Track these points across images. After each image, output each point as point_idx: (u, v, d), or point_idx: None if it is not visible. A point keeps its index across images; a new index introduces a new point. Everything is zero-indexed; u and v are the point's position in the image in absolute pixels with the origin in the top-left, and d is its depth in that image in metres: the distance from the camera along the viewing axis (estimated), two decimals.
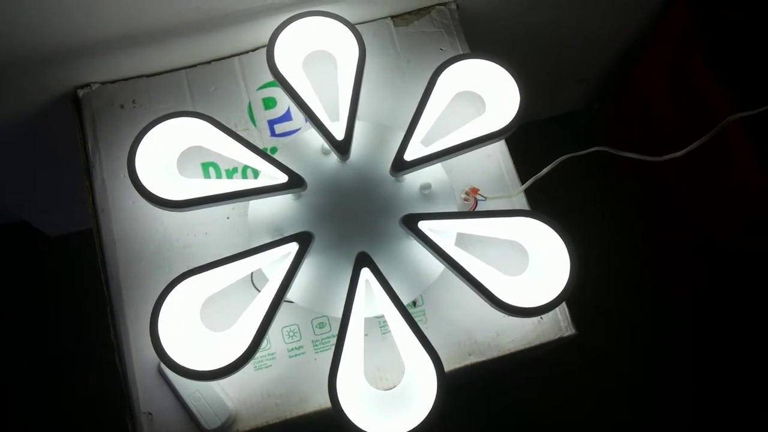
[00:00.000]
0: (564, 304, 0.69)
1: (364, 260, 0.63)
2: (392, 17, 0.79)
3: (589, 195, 1.25)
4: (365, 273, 0.62)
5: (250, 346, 0.58)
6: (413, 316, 0.66)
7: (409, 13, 0.80)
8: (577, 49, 1.06)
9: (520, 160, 0.74)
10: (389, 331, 0.66)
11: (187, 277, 0.60)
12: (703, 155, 0.74)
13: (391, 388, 0.61)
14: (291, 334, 0.67)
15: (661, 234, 1.15)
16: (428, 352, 0.58)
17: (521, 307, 0.60)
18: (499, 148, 0.74)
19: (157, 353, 0.57)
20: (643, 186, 1.14)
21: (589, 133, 1.28)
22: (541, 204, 0.71)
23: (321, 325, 0.67)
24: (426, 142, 0.68)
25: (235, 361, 0.57)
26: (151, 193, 0.62)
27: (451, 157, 0.66)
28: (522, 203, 0.72)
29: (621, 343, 1.19)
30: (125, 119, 0.74)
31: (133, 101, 0.75)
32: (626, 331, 1.21)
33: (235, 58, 0.77)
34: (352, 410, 0.56)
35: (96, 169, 0.71)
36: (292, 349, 0.66)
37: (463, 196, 0.71)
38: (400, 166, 0.65)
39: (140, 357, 0.65)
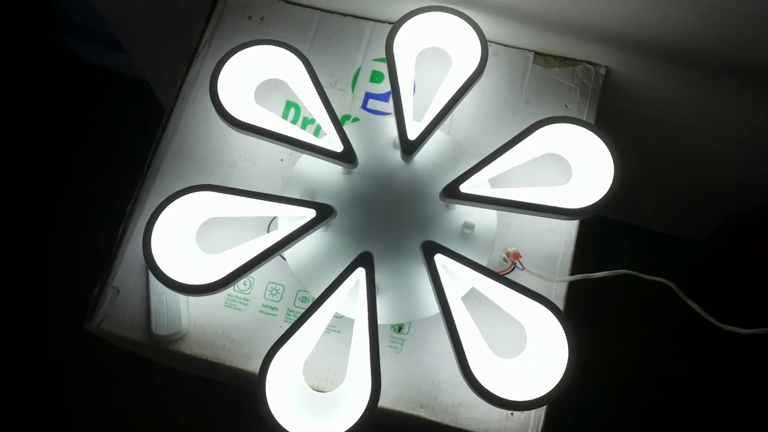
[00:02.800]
0: (543, 409, 0.62)
1: (364, 260, 0.60)
2: (536, 53, 0.74)
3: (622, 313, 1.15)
4: (359, 273, 0.59)
5: (225, 278, 0.57)
6: (395, 338, 0.63)
7: (555, 57, 0.74)
8: (723, 183, 0.94)
9: (588, 251, 0.67)
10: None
11: (203, 190, 0.60)
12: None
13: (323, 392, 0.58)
14: (273, 292, 0.65)
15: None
16: (542, 303, 0.60)
17: (492, 393, 0.54)
18: (569, 228, 0.67)
19: (143, 242, 0.58)
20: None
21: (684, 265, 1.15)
22: (572, 298, 0.64)
23: (303, 299, 0.65)
24: (494, 183, 0.64)
25: (204, 284, 0.57)
26: (219, 101, 0.63)
27: (508, 210, 0.61)
28: (559, 292, 0.65)
29: None
30: (247, 30, 0.75)
31: (262, 18, 0.76)
32: None
33: (370, 23, 0.76)
34: (273, 390, 0.54)
35: (197, 61, 0.74)
36: (266, 306, 0.65)
37: (504, 255, 0.66)
38: (451, 193, 0.61)
39: (138, 241, 0.66)
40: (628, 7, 0.66)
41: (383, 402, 0.61)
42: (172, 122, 0.72)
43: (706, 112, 0.79)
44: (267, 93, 0.70)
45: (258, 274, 0.66)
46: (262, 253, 0.59)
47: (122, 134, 0.73)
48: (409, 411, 0.61)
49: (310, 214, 0.60)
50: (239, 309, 0.65)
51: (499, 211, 0.65)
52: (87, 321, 0.64)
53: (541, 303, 0.57)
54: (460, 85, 0.65)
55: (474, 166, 0.62)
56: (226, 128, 0.70)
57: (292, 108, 0.72)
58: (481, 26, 0.67)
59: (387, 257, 0.63)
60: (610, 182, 0.60)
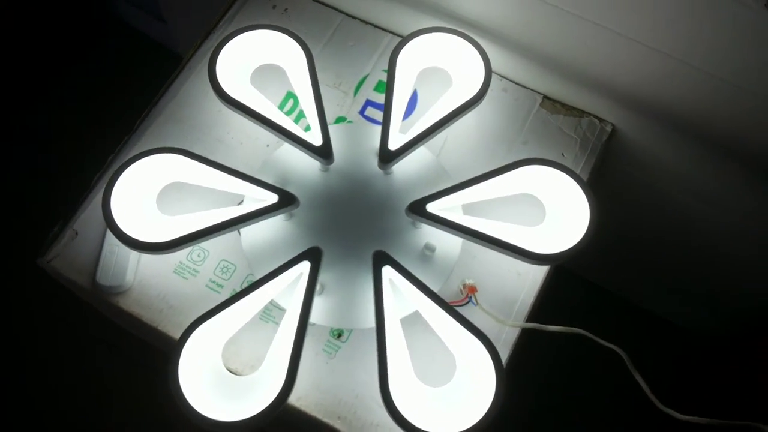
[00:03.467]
0: None
1: (311, 254, 0.59)
2: (545, 97, 0.73)
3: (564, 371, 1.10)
4: (304, 266, 0.58)
5: (173, 240, 0.57)
6: (332, 343, 0.61)
7: (563, 104, 0.73)
8: (726, 274, 0.90)
9: (549, 302, 0.65)
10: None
11: (174, 153, 0.61)
12: None
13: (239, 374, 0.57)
14: (224, 270, 0.65)
15: None
16: (479, 338, 0.55)
17: (404, 418, 0.52)
18: (535, 275, 0.65)
19: (104, 190, 0.59)
20: None
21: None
22: (521, 347, 0.62)
23: (225, 269, 0.65)
24: (469, 212, 0.63)
25: (151, 242, 0.57)
26: (215, 74, 0.64)
27: (471, 240, 0.60)
28: (509, 338, 0.63)
29: None
30: (267, 17, 0.76)
31: (286, 9, 0.77)
32: None
33: (389, 35, 0.76)
34: (187, 361, 0.53)
35: (212, 37, 0.75)
36: (213, 282, 0.64)
37: (461, 286, 0.64)
38: (417, 209, 0.60)
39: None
40: (643, 68, 0.65)
41: (301, 404, 0.60)
42: (173, 88, 0.73)
43: (708, 192, 0.76)
44: (270, 80, 0.70)
45: (214, 248, 0.65)
46: (216, 225, 0.58)
47: (138, 101, 0.75)
48: (326, 419, 0.59)
49: (272, 198, 0.60)
50: (186, 278, 0.64)
51: (466, 241, 0.63)
52: (39, 256, 0.64)
53: (477, 337, 0.55)
54: (456, 106, 0.64)
55: (447, 188, 0.61)
56: (221, 104, 0.71)
57: (291, 99, 0.73)
58: (494, 60, 0.66)
59: (341, 260, 0.62)
60: (582, 234, 0.58)
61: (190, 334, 0.55)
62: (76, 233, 0.65)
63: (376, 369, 0.54)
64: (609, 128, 0.72)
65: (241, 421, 0.52)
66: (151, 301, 0.63)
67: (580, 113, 0.73)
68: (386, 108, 0.64)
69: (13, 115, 1.30)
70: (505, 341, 0.62)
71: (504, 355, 0.61)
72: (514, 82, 0.74)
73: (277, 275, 0.57)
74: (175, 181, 0.63)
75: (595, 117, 0.72)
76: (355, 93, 0.73)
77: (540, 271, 0.65)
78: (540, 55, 0.70)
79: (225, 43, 0.66)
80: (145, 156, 0.60)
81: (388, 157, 0.62)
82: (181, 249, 0.58)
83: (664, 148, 0.73)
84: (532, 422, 1.06)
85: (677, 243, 0.87)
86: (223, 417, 0.52)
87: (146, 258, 0.65)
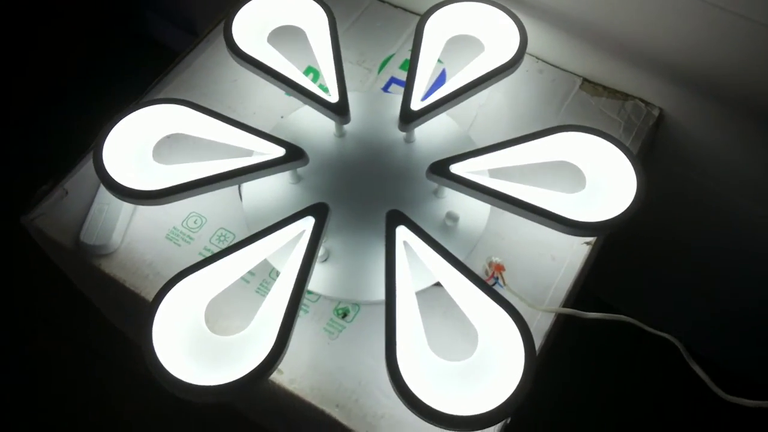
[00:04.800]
0: None
1: (316, 210, 0.52)
2: (585, 79, 0.67)
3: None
4: (307, 222, 0.51)
5: (165, 189, 0.51)
6: (335, 323, 0.54)
7: (605, 87, 0.67)
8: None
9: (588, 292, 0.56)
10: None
11: (179, 104, 0.56)
12: None
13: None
14: (221, 239, 0.58)
15: None
16: (508, 313, 0.46)
17: (416, 398, 0.43)
18: (572, 259, 0.57)
19: (98, 136, 0.54)
20: None
21: None
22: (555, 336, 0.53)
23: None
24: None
25: (141, 190, 0.51)
26: (231, 33, 0.60)
27: (501, 207, 0.52)
28: (542, 326, 0.54)
29: None
30: None
31: None
32: None
33: (418, 18, 0.72)
34: (164, 320, 0.46)
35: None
36: (208, 250, 0.57)
37: (486, 264, 0.56)
38: (440, 170, 0.53)
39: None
40: (696, 36, 0.58)
41: (294, 387, 0.51)
42: (188, 58, 0.69)
43: None
44: (290, 51, 0.66)
45: (213, 215, 0.59)
46: (213, 176, 0.52)
47: None
48: (321, 406, 0.50)
49: (279, 152, 0.54)
50: (179, 245, 0.58)
51: (493, 219, 0.56)
52: (23, 213, 0.59)
53: (504, 309, 0.46)
54: (486, 71, 0.58)
55: (474, 150, 0.54)
56: (237, 74, 0.68)
57: (311, 73, 0.68)
58: (529, 39, 0.61)
59: (351, 226, 0.55)
60: (629, 202, 0.50)
61: (172, 286, 0.47)
62: (66, 192, 0.60)
63: (383, 353, 0.46)
64: (656, 112, 0.65)
65: (220, 386, 0.44)
66: (137, 266, 0.57)
67: (624, 96, 0.66)
68: (411, 68, 0.59)
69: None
70: (537, 329, 0.53)
71: (536, 345, 0.52)
72: (550, 64, 0.68)
73: (275, 231, 0.50)
74: (177, 133, 0.57)
75: (641, 100, 0.66)
76: (380, 70, 0.69)
77: (578, 255, 0.57)
78: (580, 29, 0.64)
79: (245, 3, 0.62)
80: (145, 106, 0.56)
81: (409, 117, 0.56)
82: (174, 200, 0.52)
83: (721, 137, 0.65)
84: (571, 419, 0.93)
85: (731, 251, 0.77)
86: (201, 382, 0.44)
87: (138, 220, 0.59)
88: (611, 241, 0.64)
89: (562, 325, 0.56)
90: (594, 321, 0.53)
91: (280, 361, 0.45)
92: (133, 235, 0.58)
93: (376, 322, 0.54)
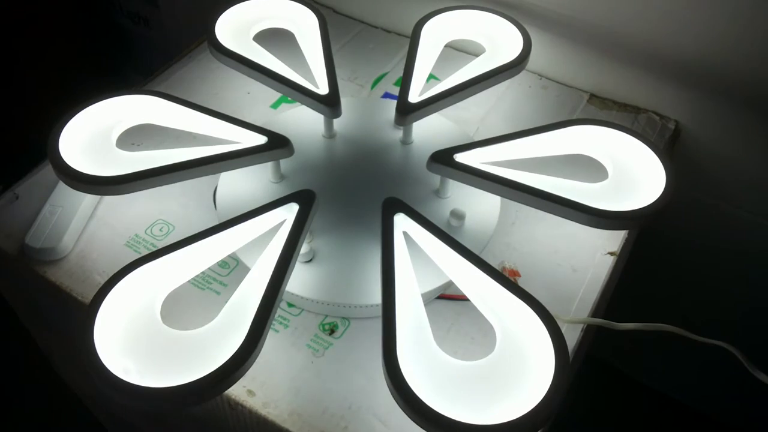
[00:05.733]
0: None
1: (301, 197, 0.44)
2: (593, 95, 0.63)
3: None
4: (288, 210, 0.44)
5: (124, 175, 0.44)
6: (321, 339, 0.45)
7: (615, 101, 0.62)
8: None
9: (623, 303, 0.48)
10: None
11: (144, 94, 0.51)
12: None
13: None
14: None
15: None
16: (533, 308, 0.39)
17: (421, 402, 0.34)
18: (597, 269, 0.49)
19: (55, 127, 0.48)
20: None
21: None
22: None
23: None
24: None
25: (95, 176, 0.44)
26: (214, 33, 0.56)
27: (513, 198, 0.45)
28: (570, 339, 0.45)
29: None
30: None
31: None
32: None
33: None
34: (110, 315, 0.38)
35: None
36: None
37: (500, 265, 0.48)
38: (443, 159, 0.47)
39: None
40: (710, 30, 0.54)
41: (268, 411, 0.41)
42: (166, 73, 0.65)
43: None
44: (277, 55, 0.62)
45: (181, 223, 0.52)
46: (182, 162, 0.46)
47: None
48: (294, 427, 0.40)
49: (261, 141, 0.48)
50: (140, 252, 0.50)
51: (504, 229, 0.49)
52: None
53: (527, 303, 0.38)
54: (487, 69, 0.54)
55: (480, 141, 0.48)
56: (219, 87, 0.63)
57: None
58: (531, 56, 0.57)
59: (341, 226, 0.48)
60: (660, 194, 0.44)
61: (122, 277, 0.39)
62: (17, 197, 0.53)
63: (379, 371, 0.37)
64: (672, 125, 0.60)
65: (172, 388, 0.34)
66: (87, 274, 0.48)
67: (636, 110, 0.62)
68: (408, 62, 0.54)
69: None
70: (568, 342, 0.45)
71: None
72: (555, 80, 0.64)
73: (248, 219, 0.43)
74: (153, 127, 0.51)
75: (654, 113, 0.61)
76: (373, 87, 0.64)
77: (602, 267, 0.49)
78: (583, 39, 0.61)
79: (230, 6, 0.59)
80: (111, 97, 0.50)
81: (407, 109, 0.51)
82: (137, 188, 0.45)
83: (741, 149, 0.60)
84: None
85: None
86: (151, 384, 0.35)
87: (95, 225, 0.51)
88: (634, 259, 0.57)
89: (592, 343, 0.47)
90: (629, 335, 0.45)
91: (254, 359, 0.36)
92: (88, 240, 0.50)
93: (370, 338, 0.45)
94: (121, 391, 0.34)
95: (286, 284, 0.40)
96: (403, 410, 0.35)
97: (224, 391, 0.36)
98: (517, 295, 0.39)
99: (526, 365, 0.36)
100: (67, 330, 0.55)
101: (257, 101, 0.62)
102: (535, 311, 0.38)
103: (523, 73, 0.64)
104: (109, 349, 0.36)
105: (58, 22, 1.11)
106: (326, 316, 0.46)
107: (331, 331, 0.46)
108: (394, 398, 0.35)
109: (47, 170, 0.54)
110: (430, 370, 0.36)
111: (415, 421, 0.34)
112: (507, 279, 0.40)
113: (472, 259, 0.41)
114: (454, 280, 0.42)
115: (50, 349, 0.68)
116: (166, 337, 0.37)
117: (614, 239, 0.51)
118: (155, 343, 0.37)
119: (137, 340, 0.37)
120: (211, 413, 0.46)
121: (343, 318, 0.46)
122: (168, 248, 0.41)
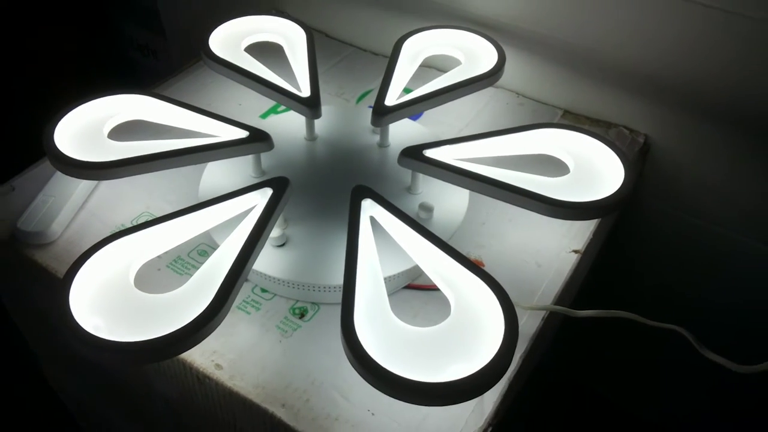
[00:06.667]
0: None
1: (275, 183, 0.47)
2: (566, 111, 0.66)
3: None
4: (261, 195, 0.47)
5: (110, 162, 0.47)
6: (290, 321, 0.47)
7: (587, 117, 0.65)
8: None
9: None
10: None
11: (128, 94, 0.54)
12: None
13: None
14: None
15: None
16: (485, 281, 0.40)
17: (376, 364, 0.36)
18: (560, 266, 0.51)
19: (52, 121, 0.51)
20: None
21: None
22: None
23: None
24: None
25: (90, 161, 0.47)
26: (209, 49, 0.60)
27: (481, 192, 0.48)
28: (527, 330, 0.46)
29: None
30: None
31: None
32: None
33: None
34: (82, 281, 0.40)
35: None
36: None
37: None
38: (412, 153, 0.49)
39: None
40: (677, 44, 0.57)
41: (234, 383, 0.43)
42: (162, 86, 0.69)
43: None
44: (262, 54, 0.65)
45: None
46: (168, 151, 0.48)
47: None
48: (264, 405, 0.41)
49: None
50: None
51: (473, 229, 0.52)
52: None
53: (480, 277, 0.40)
54: (465, 78, 0.57)
55: (450, 139, 0.51)
56: (211, 98, 0.67)
57: None
58: (507, 74, 0.60)
59: (314, 215, 0.50)
60: (620, 184, 0.46)
61: (102, 247, 0.42)
62: (13, 189, 0.56)
63: (344, 352, 0.38)
64: (641, 139, 0.63)
65: (135, 342, 0.36)
66: (74, 259, 0.50)
67: (607, 125, 0.64)
68: (387, 71, 0.58)
69: None
70: (523, 333, 0.46)
71: (522, 348, 0.45)
72: (530, 98, 0.68)
73: (222, 201, 0.45)
74: (139, 120, 0.54)
75: (625, 127, 0.64)
76: (358, 101, 0.68)
77: (566, 263, 0.51)
78: (557, 56, 0.64)
79: (223, 23, 0.63)
80: (105, 96, 0.54)
81: (383, 111, 0.54)
82: (120, 175, 0.48)
83: (711, 165, 0.62)
84: None
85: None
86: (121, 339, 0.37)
87: (84, 215, 0.54)
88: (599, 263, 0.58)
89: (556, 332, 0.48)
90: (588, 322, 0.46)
91: (219, 321, 0.38)
92: (77, 228, 0.53)
93: (338, 323, 0.46)
94: (90, 345, 0.36)
95: (256, 257, 0.42)
96: (357, 371, 0.36)
97: (189, 348, 0.37)
98: (472, 270, 0.41)
99: (477, 332, 0.38)
100: (55, 318, 0.56)
101: (247, 111, 0.65)
102: (487, 284, 0.40)
103: (500, 91, 0.68)
104: (82, 309, 0.38)
105: (66, 57, 1.17)
106: (297, 300, 0.48)
107: (301, 315, 0.48)
108: (349, 359, 0.37)
109: (43, 166, 0.58)
110: (386, 334, 0.38)
111: (369, 382, 0.36)
112: (465, 258, 0.42)
113: (435, 242, 0.43)
114: (413, 258, 0.43)
115: (38, 350, 0.69)
116: (136, 300, 0.39)
117: (579, 238, 0.53)
118: (126, 305, 0.39)
119: (110, 301, 0.39)
120: (182, 394, 0.47)
121: (313, 303, 0.48)
122: (145, 224, 0.44)
